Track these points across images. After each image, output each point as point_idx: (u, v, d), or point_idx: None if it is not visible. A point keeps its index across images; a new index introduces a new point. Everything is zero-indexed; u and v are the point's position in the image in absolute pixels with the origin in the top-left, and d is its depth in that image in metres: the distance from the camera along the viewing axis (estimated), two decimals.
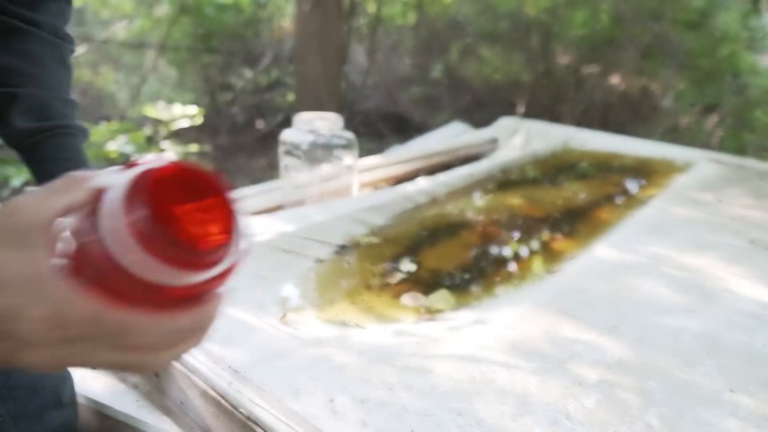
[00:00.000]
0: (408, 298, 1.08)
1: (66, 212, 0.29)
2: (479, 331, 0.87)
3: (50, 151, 0.69)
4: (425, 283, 1.16)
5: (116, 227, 0.27)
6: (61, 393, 0.80)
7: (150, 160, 0.30)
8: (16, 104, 0.67)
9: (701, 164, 2.13)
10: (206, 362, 0.75)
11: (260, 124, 4.75)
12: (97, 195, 0.29)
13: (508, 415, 0.67)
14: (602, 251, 1.22)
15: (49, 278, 0.27)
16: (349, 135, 1.56)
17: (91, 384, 0.92)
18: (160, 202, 0.28)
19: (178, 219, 0.28)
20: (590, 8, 4.56)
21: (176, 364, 0.76)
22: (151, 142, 2.75)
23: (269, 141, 4.61)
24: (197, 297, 0.33)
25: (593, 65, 4.52)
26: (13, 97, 0.67)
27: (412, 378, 0.73)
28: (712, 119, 3.91)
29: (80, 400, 0.90)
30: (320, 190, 1.53)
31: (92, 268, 0.28)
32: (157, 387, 0.83)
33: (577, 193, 1.84)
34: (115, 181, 0.29)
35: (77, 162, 0.71)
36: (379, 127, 4.86)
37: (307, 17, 4.05)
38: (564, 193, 1.84)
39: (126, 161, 0.36)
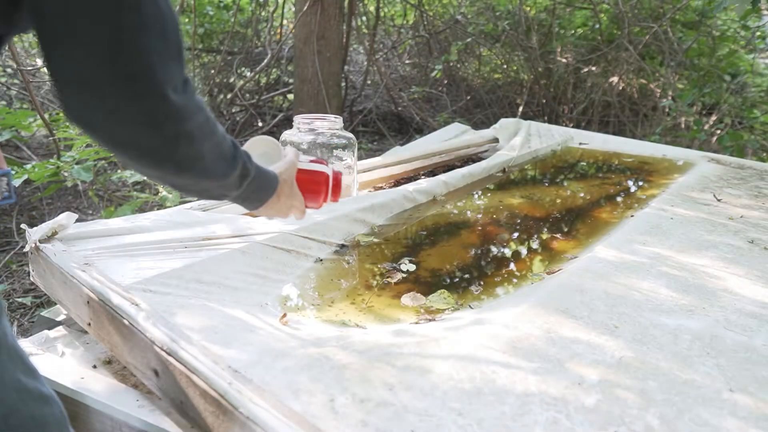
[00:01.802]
0: (408, 298, 1.08)
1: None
2: (479, 331, 0.87)
3: None
4: (425, 283, 1.16)
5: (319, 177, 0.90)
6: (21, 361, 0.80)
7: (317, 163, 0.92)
8: None
9: (701, 164, 2.14)
10: (206, 362, 0.75)
11: (260, 124, 4.75)
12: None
13: (508, 415, 0.67)
14: (602, 251, 1.22)
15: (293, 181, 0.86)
16: (349, 135, 1.56)
17: (91, 384, 0.93)
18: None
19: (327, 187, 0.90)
20: (590, 8, 4.56)
21: (176, 364, 0.76)
22: None
23: None
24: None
25: (593, 65, 4.53)
26: None
27: (412, 378, 0.73)
28: (712, 119, 3.91)
29: (81, 399, 0.90)
30: None
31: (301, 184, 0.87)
32: (157, 387, 0.83)
33: (577, 193, 1.84)
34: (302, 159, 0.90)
35: None
36: (379, 127, 4.86)
37: (307, 17, 4.05)
38: (564, 193, 1.84)
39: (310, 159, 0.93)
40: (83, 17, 0.51)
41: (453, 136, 2.59)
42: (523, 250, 1.37)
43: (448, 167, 2.09)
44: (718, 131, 3.74)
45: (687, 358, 0.82)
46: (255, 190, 0.79)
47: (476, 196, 1.79)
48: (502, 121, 2.58)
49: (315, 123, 1.53)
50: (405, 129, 4.96)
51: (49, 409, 0.68)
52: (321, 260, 1.23)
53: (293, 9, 4.90)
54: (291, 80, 4.79)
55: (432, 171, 2.11)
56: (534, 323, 0.89)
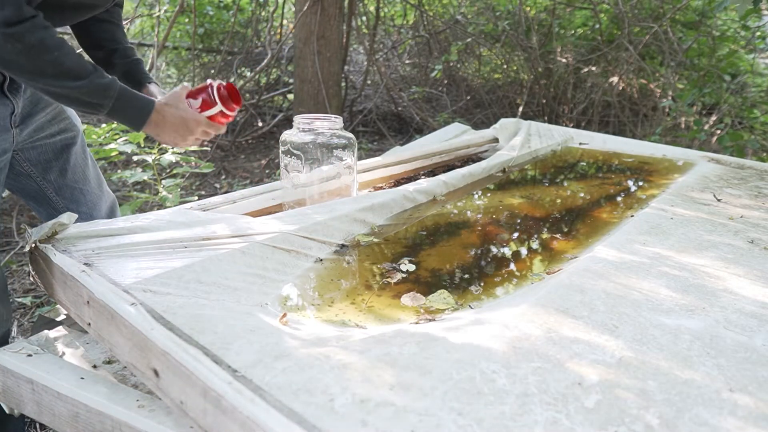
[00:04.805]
0: (408, 298, 1.08)
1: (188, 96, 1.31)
2: (479, 331, 0.87)
3: (136, 73, 1.41)
4: (425, 283, 1.16)
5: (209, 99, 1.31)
6: None
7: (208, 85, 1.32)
8: (117, 53, 1.41)
9: (701, 164, 2.14)
10: (206, 362, 0.75)
11: (260, 124, 4.75)
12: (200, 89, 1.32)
13: (508, 415, 0.67)
14: (602, 251, 1.22)
15: (190, 110, 1.29)
16: (349, 135, 1.56)
17: (91, 384, 0.93)
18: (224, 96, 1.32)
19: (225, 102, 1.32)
20: (590, 8, 4.56)
21: (176, 364, 0.76)
22: (150, 142, 2.75)
23: (269, 141, 4.61)
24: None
25: (593, 65, 4.53)
26: (115, 50, 1.41)
27: (412, 378, 0.73)
28: (712, 119, 3.91)
29: (81, 399, 0.90)
30: (320, 190, 1.54)
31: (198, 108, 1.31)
32: (157, 387, 0.83)
33: (577, 193, 1.84)
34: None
35: (146, 76, 1.43)
36: (379, 127, 4.86)
37: (307, 17, 4.05)
38: (564, 193, 1.84)
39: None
40: None
41: (453, 136, 2.59)
42: (523, 250, 1.37)
43: (448, 167, 2.09)
44: (718, 131, 3.74)
45: (687, 358, 0.82)
46: (124, 106, 1.14)
47: (476, 196, 1.79)
48: (502, 121, 2.58)
49: (315, 123, 1.53)
50: (405, 129, 4.97)
51: None
52: (321, 260, 1.23)
53: (293, 9, 4.89)
54: (291, 80, 4.79)
55: (432, 171, 2.11)
56: (534, 323, 0.89)
